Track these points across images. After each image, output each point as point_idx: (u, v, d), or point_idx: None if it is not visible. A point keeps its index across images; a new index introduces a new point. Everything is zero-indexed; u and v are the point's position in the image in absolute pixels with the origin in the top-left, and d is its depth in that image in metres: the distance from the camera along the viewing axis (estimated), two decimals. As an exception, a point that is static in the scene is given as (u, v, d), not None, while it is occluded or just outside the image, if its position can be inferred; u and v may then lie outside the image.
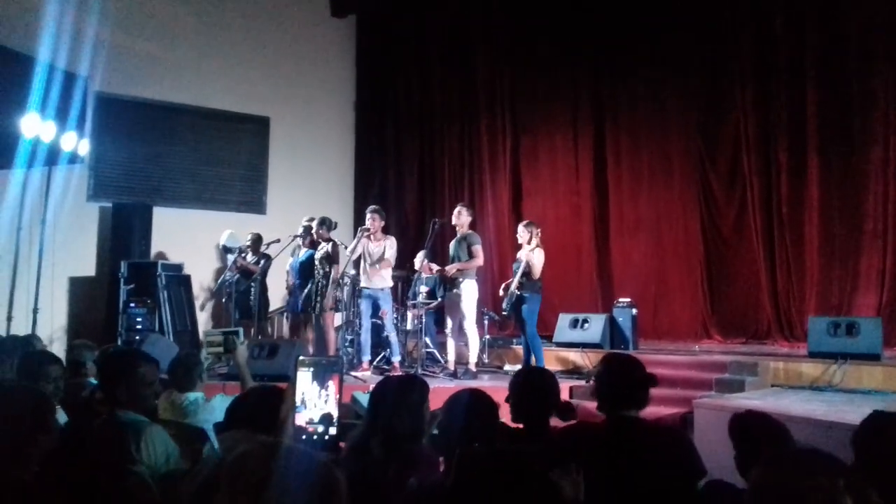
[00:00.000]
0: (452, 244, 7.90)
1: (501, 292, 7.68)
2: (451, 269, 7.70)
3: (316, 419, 2.19)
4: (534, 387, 3.11)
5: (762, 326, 8.46)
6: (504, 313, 7.77)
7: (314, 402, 2.17)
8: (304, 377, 2.16)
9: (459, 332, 7.82)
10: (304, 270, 8.37)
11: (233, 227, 10.18)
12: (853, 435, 2.36)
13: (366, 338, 8.08)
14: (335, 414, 2.23)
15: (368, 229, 7.91)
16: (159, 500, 2.25)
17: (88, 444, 2.83)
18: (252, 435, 2.02)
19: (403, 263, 9.41)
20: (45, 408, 2.31)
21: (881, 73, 7.61)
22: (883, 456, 2.19)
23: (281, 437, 1.73)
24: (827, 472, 1.28)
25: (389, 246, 8.03)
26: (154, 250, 9.85)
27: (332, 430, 2.17)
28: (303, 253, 8.53)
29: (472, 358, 7.81)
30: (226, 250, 10.03)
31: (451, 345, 8.00)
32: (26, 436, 2.22)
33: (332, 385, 2.25)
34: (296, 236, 8.69)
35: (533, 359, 7.48)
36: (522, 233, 7.67)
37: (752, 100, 8.50)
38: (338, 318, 8.58)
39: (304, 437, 2.02)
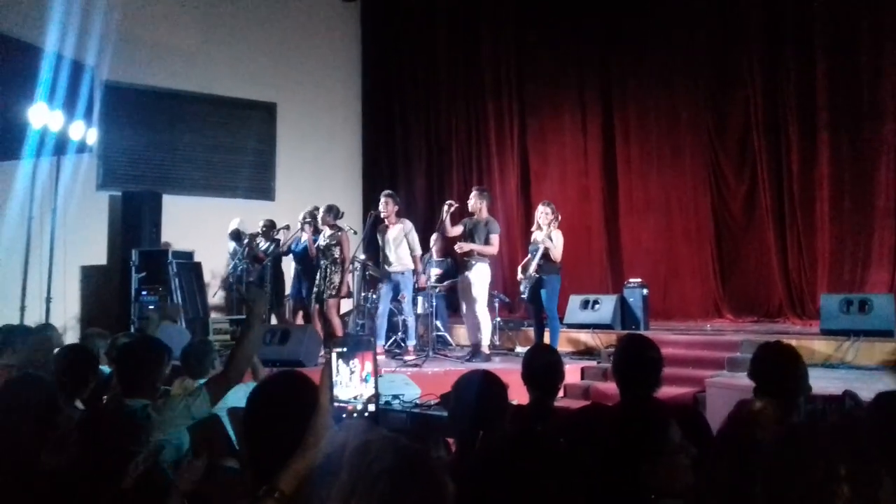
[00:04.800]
0: (468, 224, 7.68)
1: (520, 274, 7.58)
2: (463, 246, 7.59)
3: (342, 398, 2.18)
4: (544, 362, 3.17)
5: (774, 305, 8.41)
6: (522, 296, 7.66)
7: (343, 382, 2.16)
8: (335, 358, 2.16)
9: (472, 315, 7.82)
10: (301, 258, 8.55)
11: (241, 214, 10.16)
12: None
13: (381, 322, 8.07)
14: (365, 393, 2.22)
15: (380, 213, 7.90)
16: (173, 481, 2.28)
17: (104, 430, 2.86)
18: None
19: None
20: (52, 391, 2.36)
21: (890, 46, 7.50)
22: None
23: (318, 419, 1.74)
24: (832, 456, 1.22)
25: (410, 233, 7.96)
26: (164, 238, 9.88)
27: (371, 408, 2.16)
28: (304, 239, 8.60)
29: (485, 341, 7.80)
30: (235, 236, 9.95)
31: (465, 329, 7.99)
32: (46, 421, 2.27)
33: (357, 363, 2.23)
34: (304, 223, 8.72)
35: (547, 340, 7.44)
36: (542, 214, 7.50)
37: (761, 77, 8.39)
38: (346, 304, 8.59)
39: (343, 415, 2.02)
